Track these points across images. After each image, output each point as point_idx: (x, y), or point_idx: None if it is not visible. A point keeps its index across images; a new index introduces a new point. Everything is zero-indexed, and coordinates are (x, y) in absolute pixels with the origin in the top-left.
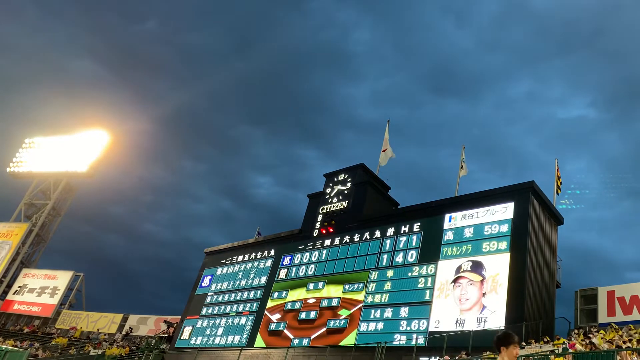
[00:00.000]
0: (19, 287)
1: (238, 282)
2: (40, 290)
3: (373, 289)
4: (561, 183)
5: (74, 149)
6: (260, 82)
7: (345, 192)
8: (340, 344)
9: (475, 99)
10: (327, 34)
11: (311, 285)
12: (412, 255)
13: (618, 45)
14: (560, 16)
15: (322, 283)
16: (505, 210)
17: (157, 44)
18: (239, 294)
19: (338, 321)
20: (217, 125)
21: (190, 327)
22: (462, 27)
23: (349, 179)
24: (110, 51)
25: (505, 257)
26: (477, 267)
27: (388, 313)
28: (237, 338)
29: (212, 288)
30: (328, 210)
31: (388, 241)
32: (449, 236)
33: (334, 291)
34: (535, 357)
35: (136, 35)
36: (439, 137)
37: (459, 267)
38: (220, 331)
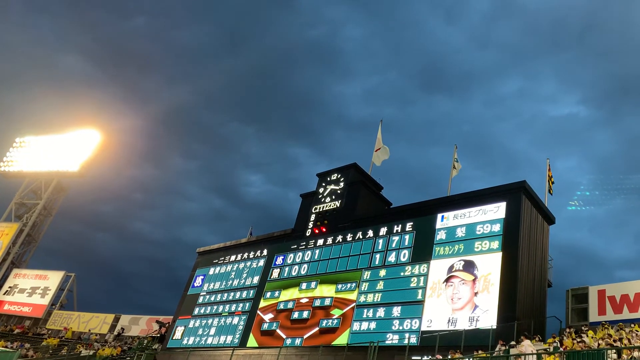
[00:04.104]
0: (10, 287)
1: (230, 282)
2: (31, 290)
3: (366, 289)
4: (553, 183)
5: (65, 148)
6: (251, 79)
7: (338, 191)
8: (332, 343)
9: (466, 97)
10: (317, 31)
11: (304, 285)
12: (405, 255)
13: (608, 43)
14: (550, 13)
15: (314, 283)
16: (497, 210)
17: (146, 41)
18: (232, 293)
19: (331, 321)
20: (207, 122)
21: (183, 327)
22: (452, 24)
23: (342, 179)
24: (99, 48)
25: (497, 257)
26: (469, 267)
27: (380, 312)
28: (229, 338)
29: (205, 288)
30: (321, 209)
31: (380, 241)
32: (441, 235)
33: (327, 291)
34: (527, 355)
35: (125, 31)
36: (429, 134)
37: (451, 267)
38: (212, 331)
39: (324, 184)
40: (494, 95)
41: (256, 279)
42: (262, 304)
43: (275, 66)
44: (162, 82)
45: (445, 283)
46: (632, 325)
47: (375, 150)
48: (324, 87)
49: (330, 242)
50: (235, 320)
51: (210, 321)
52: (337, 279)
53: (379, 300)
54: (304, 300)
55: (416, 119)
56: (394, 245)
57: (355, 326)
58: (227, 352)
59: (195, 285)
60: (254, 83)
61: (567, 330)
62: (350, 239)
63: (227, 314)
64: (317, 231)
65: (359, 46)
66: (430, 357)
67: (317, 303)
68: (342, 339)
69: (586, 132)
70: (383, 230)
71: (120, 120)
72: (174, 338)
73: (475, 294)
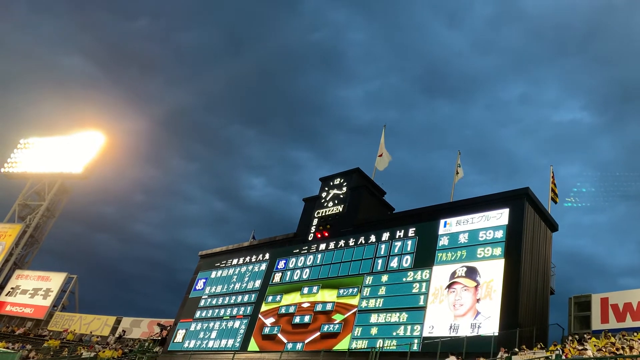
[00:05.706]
0: (12, 288)
1: (232, 285)
2: (33, 291)
3: (367, 294)
4: (556, 193)
5: (69, 149)
6: (253, 82)
7: (341, 196)
8: (334, 348)
9: (468, 101)
10: (320, 34)
11: (305, 290)
12: (407, 260)
13: (612, 49)
14: (554, 19)
15: (316, 287)
16: (500, 216)
17: (149, 43)
18: (233, 297)
19: (332, 326)
20: (209, 125)
21: (184, 330)
22: (455, 28)
23: (345, 183)
24: (102, 49)
25: (500, 263)
26: (471, 273)
27: (382, 318)
28: (230, 342)
29: (206, 291)
30: (323, 214)
31: (383, 246)
32: (443, 241)
33: (329, 295)
34: None
35: (127, 33)
36: (431, 139)
37: (454, 273)
38: (213, 334)
39: (326, 188)
40: (497, 100)
41: (258, 283)
42: (264, 308)
43: (278, 69)
44: (164, 84)
45: (447, 289)
46: (635, 333)
47: (378, 156)
48: (326, 90)
49: (333, 247)
50: (237, 324)
51: (211, 324)
52: (339, 284)
53: (380, 305)
54: (305, 305)
55: (418, 123)
56: (396, 250)
57: (357, 331)
58: (228, 355)
59: (197, 288)
60: (256, 86)
61: (570, 338)
62: (353, 243)
63: (228, 317)
64: (319, 235)
65: (361, 50)
66: None
67: (319, 308)
68: (343, 344)
69: (589, 138)
70: (385, 236)
71: (123, 121)
72: (175, 341)
73: (478, 300)
